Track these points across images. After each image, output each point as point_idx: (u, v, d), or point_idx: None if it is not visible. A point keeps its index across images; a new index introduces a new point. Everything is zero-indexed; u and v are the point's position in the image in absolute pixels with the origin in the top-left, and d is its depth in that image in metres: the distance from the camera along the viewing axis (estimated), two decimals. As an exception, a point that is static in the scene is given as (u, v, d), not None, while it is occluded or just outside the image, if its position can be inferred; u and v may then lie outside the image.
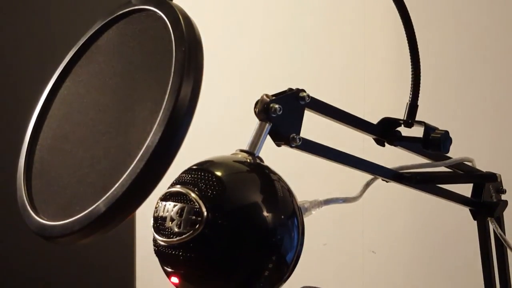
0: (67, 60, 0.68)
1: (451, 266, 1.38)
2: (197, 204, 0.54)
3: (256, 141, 0.63)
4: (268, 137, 0.64)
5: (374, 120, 0.79)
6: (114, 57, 0.64)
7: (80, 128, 0.62)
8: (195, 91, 0.54)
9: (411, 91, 0.79)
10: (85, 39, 0.67)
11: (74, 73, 0.67)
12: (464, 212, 0.97)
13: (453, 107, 1.39)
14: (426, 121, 0.77)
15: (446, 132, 0.76)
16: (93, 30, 0.67)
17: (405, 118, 0.79)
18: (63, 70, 0.68)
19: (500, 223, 0.95)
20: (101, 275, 1.99)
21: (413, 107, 0.79)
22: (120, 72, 0.62)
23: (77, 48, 0.68)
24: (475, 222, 0.97)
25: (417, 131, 0.78)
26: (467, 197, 0.95)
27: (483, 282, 0.97)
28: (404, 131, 0.79)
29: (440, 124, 0.78)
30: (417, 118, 0.78)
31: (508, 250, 0.97)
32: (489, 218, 0.94)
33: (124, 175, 0.52)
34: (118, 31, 0.65)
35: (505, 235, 0.94)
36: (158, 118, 0.52)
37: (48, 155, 0.64)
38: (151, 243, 0.59)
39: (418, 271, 1.43)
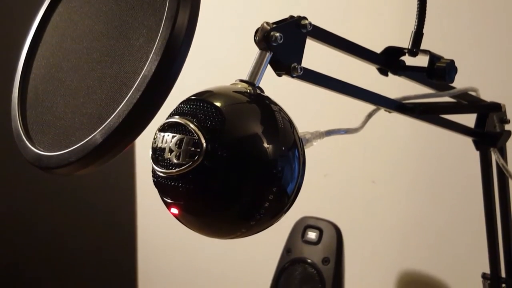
0: (59, -16, 0.66)
1: (452, 197, 1.39)
2: (196, 135, 0.53)
3: (256, 71, 0.61)
4: (269, 67, 0.63)
5: (378, 50, 0.77)
6: None
7: (74, 57, 0.60)
8: (193, 18, 0.52)
9: (416, 18, 0.76)
10: None
11: None
12: (466, 142, 0.97)
13: (459, 36, 1.36)
14: (431, 50, 0.76)
15: (452, 62, 0.75)
16: None
17: (409, 47, 0.77)
18: None
19: (503, 153, 0.95)
20: (102, 207, 2.01)
21: (418, 35, 0.77)
22: None
23: None
24: (477, 152, 0.97)
25: (421, 61, 0.76)
26: (470, 128, 0.94)
27: (483, 212, 0.97)
28: (408, 60, 0.78)
29: (445, 53, 0.77)
30: (422, 47, 0.77)
31: (510, 180, 0.97)
32: (491, 148, 0.94)
33: (121, 105, 0.51)
34: None
35: (507, 165, 0.94)
36: (154, 47, 0.51)
37: (42, 84, 0.63)
38: (151, 173, 0.58)
39: (418, 201, 1.44)
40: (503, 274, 0.99)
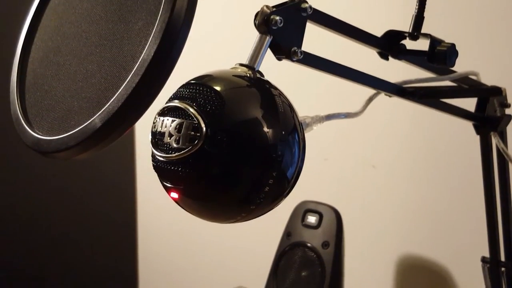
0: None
1: (452, 181, 1.39)
2: (196, 119, 0.53)
3: (256, 55, 0.60)
4: (269, 51, 0.62)
5: (379, 33, 0.77)
6: None
7: (72, 40, 0.60)
8: (192, 1, 0.51)
9: (417, 2, 0.76)
10: None
11: None
12: (467, 126, 0.97)
13: (460, 20, 1.35)
14: (432, 34, 0.75)
15: (452, 45, 0.74)
16: None
17: (410, 31, 0.76)
18: None
19: (503, 137, 0.95)
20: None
21: (419, 18, 0.76)
22: None
23: None
24: (477, 137, 0.96)
25: (422, 45, 0.76)
26: (471, 112, 0.94)
27: (483, 197, 0.97)
28: (409, 44, 0.77)
29: (446, 37, 0.76)
30: (423, 31, 0.76)
31: (510, 165, 0.97)
32: (492, 133, 0.94)
33: (120, 90, 0.51)
34: None
35: (507, 150, 0.94)
36: (153, 30, 0.50)
37: (40, 68, 0.62)
38: (150, 157, 0.58)
39: (418, 186, 1.44)
40: (503, 258, 0.99)
